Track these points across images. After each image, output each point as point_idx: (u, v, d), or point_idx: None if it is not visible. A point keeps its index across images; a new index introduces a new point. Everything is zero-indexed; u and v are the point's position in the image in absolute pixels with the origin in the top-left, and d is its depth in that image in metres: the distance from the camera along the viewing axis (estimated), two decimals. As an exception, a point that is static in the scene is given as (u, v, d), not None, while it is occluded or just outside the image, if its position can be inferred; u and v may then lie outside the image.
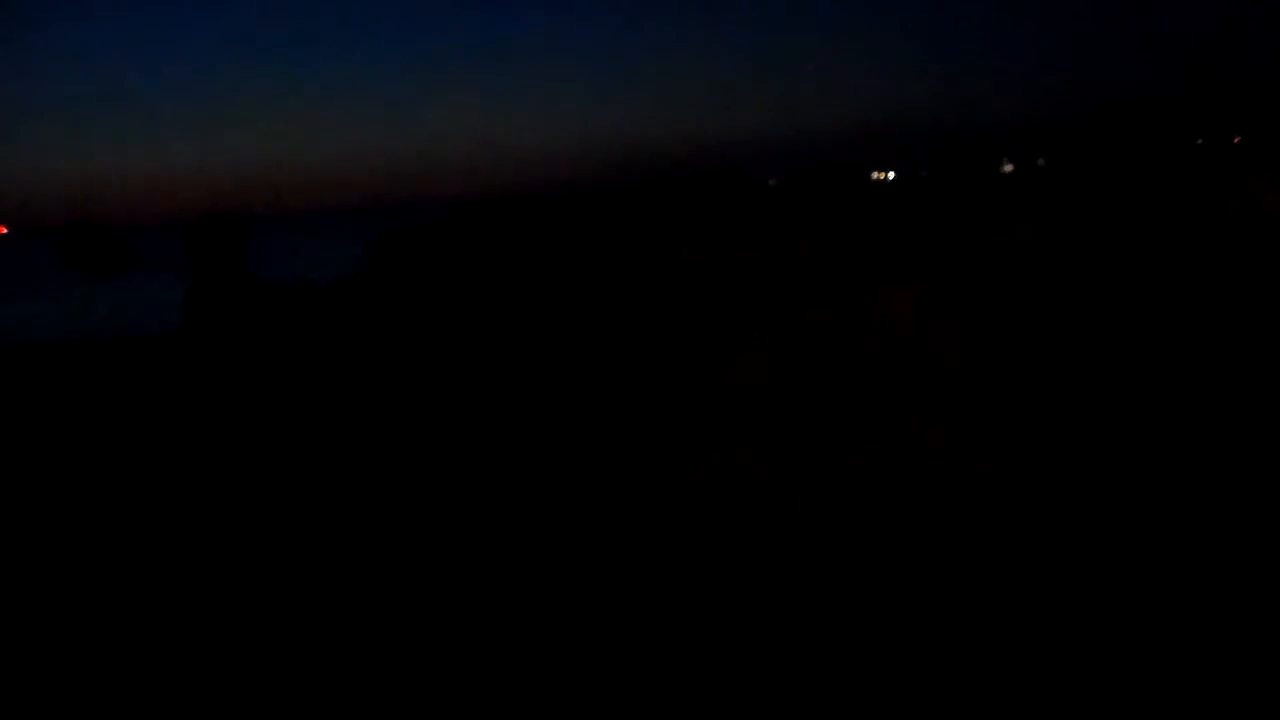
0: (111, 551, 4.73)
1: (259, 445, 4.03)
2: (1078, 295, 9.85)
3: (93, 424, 7.80)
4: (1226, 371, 6.49)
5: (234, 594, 3.82)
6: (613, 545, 4.45)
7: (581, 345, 9.37)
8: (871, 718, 3.04)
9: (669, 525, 4.62)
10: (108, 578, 4.39)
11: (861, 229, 20.70)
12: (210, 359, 3.92)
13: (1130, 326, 8.20)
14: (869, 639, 3.41)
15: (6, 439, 7.62)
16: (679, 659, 3.38)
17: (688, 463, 5.59)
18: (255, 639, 3.64)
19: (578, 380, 7.91)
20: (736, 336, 9.17)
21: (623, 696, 3.20)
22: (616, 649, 3.47)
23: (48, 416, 8.52)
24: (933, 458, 5.34)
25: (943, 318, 9.22)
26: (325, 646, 3.58)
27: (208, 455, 3.95)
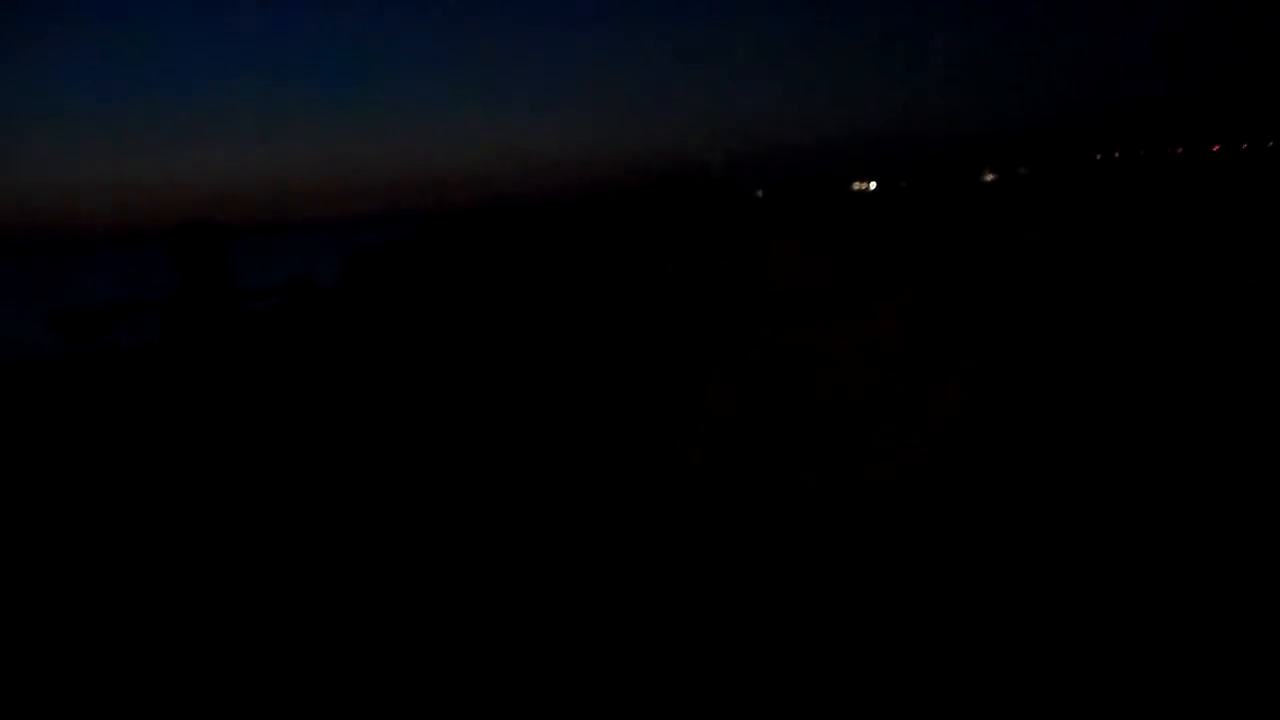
0: (105, 559, 4.68)
1: (243, 457, 3.98)
2: (1064, 303, 9.77)
3: (75, 438, 7.75)
4: (1218, 379, 6.40)
5: (225, 601, 3.79)
6: (576, 547, 4.37)
7: (559, 354, 9.29)
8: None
9: (633, 528, 4.54)
10: (103, 584, 4.33)
11: (844, 239, 20.71)
12: (190, 373, 3.84)
13: (1118, 333, 8.12)
14: (839, 648, 3.28)
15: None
16: (642, 661, 3.27)
17: (659, 468, 5.50)
18: (244, 646, 3.57)
19: (553, 386, 7.81)
20: (716, 347, 9.06)
21: (603, 698, 3.08)
22: (575, 650, 3.37)
23: (31, 431, 8.47)
24: (913, 467, 5.24)
25: (927, 327, 9.11)
26: (306, 657, 3.48)
27: (193, 467, 3.91)
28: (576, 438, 6.47)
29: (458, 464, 6.05)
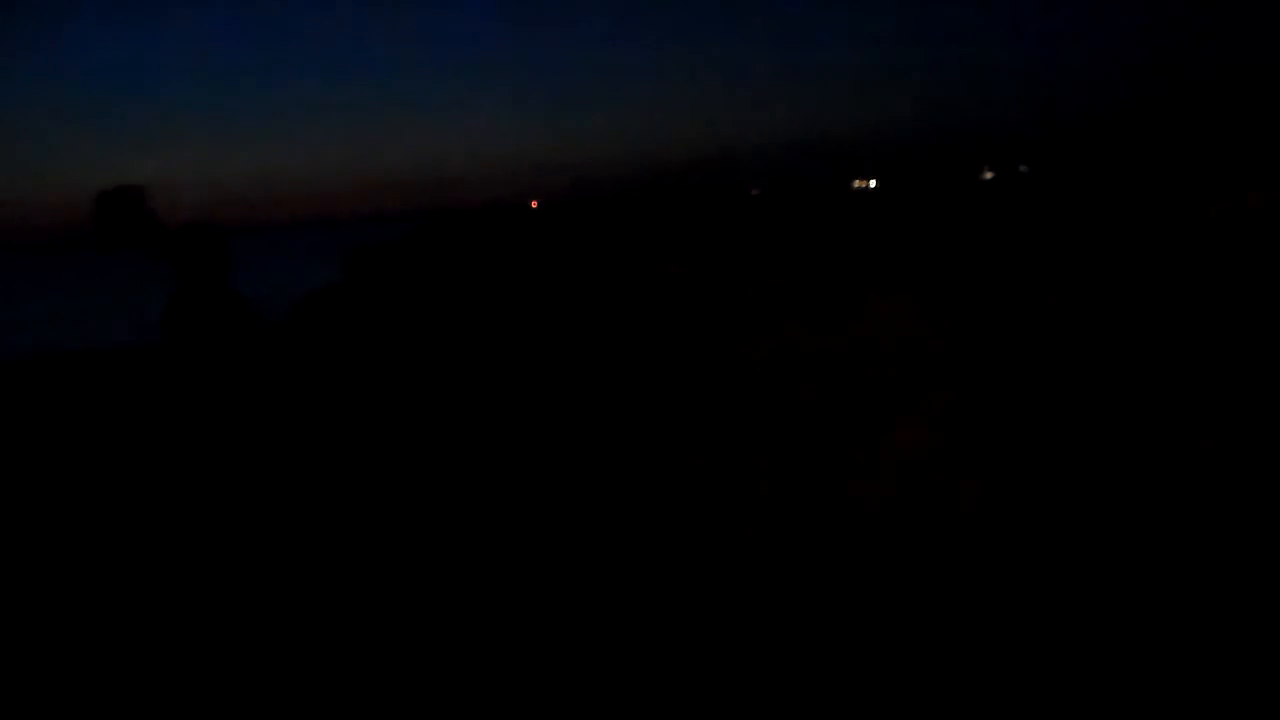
0: (105, 558, 4.68)
1: (243, 456, 3.98)
2: (1063, 299, 9.77)
3: (75, 437, 7.72)
4: (1215, 372, 6.39)
5: (226, 600, 3.78)
6: (576, 547, 4.36)
7: (562, 354, 9.28)
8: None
9: (635, 528, 4.53)
10: (103, 584, 4.34)
11: (844, 237, 20.73)
12: (192, 371, 3.85)
13: (1116, 329, 8.12)
14: (837, 647, 3.28)
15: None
16: (643, 662, 3.27)
17: (663, 466, 5.49)
18: (244, 645, 3.57)
19: (555, 388, 7.81)
20: (719, 346, 9.06)
21: (596, 698, 3.08)
22: (575, 650, 3.37)
23: (33, 430, 8.44)
24: (913, 464, 5.24)
25: (927, 325, 9.11)
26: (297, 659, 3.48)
27: (194, 466, 3.90)
28: (579, 439, 6.46)
29: (460, 463, 6.04)
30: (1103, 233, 15.83)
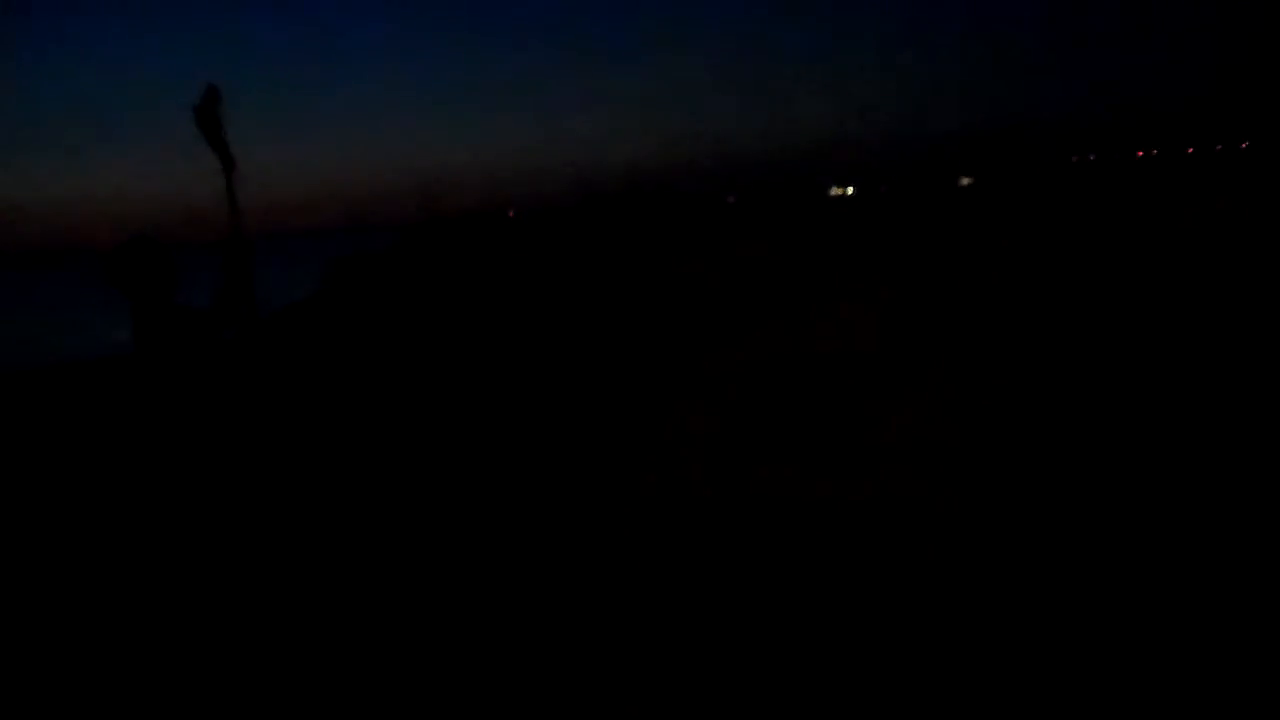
0: (98, 565, 4.67)
1: (222, 468, 3.96)
2: (1036, 304, 9.80)
3: (63, 446, 7.70)
4: (1190, 377, 6.41)
5: (219, 608, 3.76)
6: (565, 557, 4.33)
7: (534, 361, 9.26)
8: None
9: (619, 540, 4.50)
10: (97, 591, 4.36)
11: (820, 244, 20.77)
12: (167, 383, 3.81)
13: (1090, 332, 8.13)
14: (825, 656, 3.27)
15: None
16: (632, 672, 3.25)
17: (638, 477, 5.46)
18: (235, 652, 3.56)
19: (529, 397, 7.78)
20: (693, 352, 9.03)
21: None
22: (560, 662, 3.34)
23: (26, 439, 8.42)
24: (891, 468, 5.23)
25: (902, 331, 9.11)
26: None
27: (186, 475, 3.89)
28: (557, 451, 6.41)
29: (433, 473, 6.00)
30: (1080, 238, 15.91)
